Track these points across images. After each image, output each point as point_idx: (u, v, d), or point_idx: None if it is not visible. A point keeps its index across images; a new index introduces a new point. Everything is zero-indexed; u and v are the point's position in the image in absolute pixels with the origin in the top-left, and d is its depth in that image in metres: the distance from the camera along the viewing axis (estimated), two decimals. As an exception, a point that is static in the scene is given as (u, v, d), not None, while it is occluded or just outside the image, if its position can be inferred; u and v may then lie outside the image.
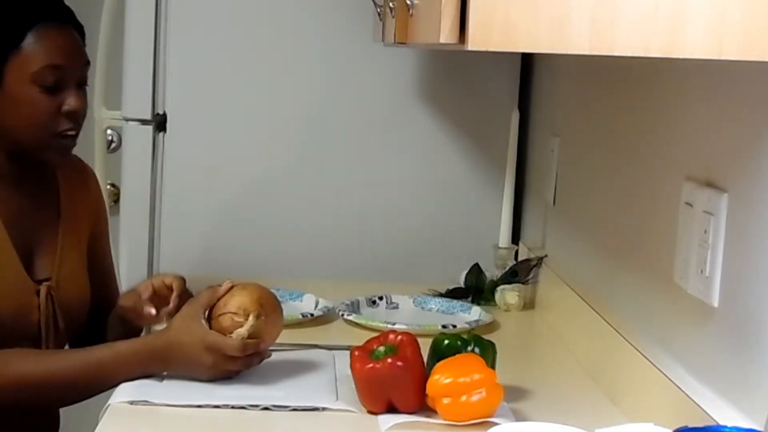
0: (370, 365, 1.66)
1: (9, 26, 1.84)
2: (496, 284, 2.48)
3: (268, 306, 1.84)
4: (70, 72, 1.88)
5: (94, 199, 2.11)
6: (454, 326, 2.20)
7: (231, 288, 1.84)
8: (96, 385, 1.79)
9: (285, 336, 2.07)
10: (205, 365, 1.77)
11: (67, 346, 2.00)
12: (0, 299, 1.86)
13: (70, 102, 1.87)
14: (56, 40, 1.87)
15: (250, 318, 1.79)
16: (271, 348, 1.96)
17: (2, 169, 1.92)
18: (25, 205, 1.95)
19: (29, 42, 1.84)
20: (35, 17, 1.85)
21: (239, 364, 1.79)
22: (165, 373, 1.80)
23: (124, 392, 1.73)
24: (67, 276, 1.97)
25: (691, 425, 1.28)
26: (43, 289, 1.92)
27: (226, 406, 1.69)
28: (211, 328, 1.78)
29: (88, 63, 1.93)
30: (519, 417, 1.69)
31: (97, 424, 1.63)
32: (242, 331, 1.78)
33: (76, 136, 1.91)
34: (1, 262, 1.88)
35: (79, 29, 1.93)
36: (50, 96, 1.86)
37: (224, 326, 1.79)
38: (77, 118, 1.90)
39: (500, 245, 2.57)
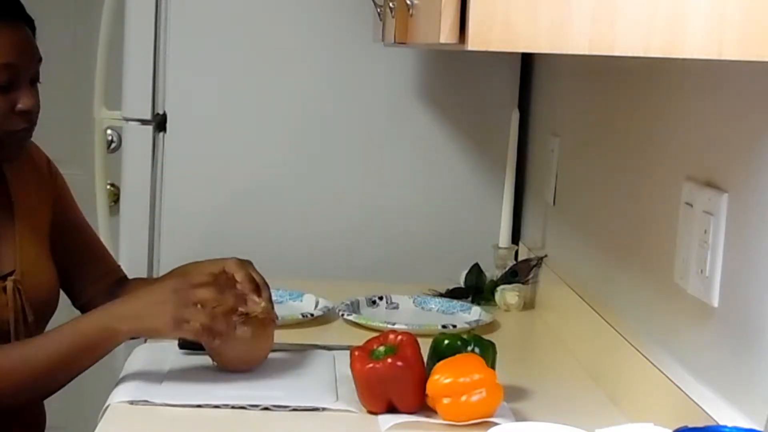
0: (370, 365, 1.66)
1: None
2: (496, 284, 2.48)
3: (265, 334, 1.86)
4: (23, 70, 1.85)
5: (45, 173, 2.06)
6: (454, 326, 2.20)
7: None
8: (77, 359, 1.75)
9: (285, 336, 2.08)
10: (167, 295, 1.73)
11: None
12: None
13: (24, 101, 1.85)
14: (7, 38, 1.83)
15: (262, 305, 1.81)
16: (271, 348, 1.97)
17: None
18: None
19: None
20: None
21: (201, 313, 1.72)
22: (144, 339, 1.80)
23: (124, 392, 1.73)
24: (30, 266, 1.94)
25: (691, 425, 1.28)
26: (9, 284, 1.90)
27: (226, 406, 1.69)
28: None
29: (40, 60, 1.90)
30: (519, 417, 1.69)
31: (97, 424, 1.63)
32: (244, 309, 1.80)
33: (30, 131, 1.89)
34: None
35: (30, 24, 1.90)
36: (3, 95, 1.83)
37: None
38: (31, 116, 1.87)
39: (500, 245, 2.57)
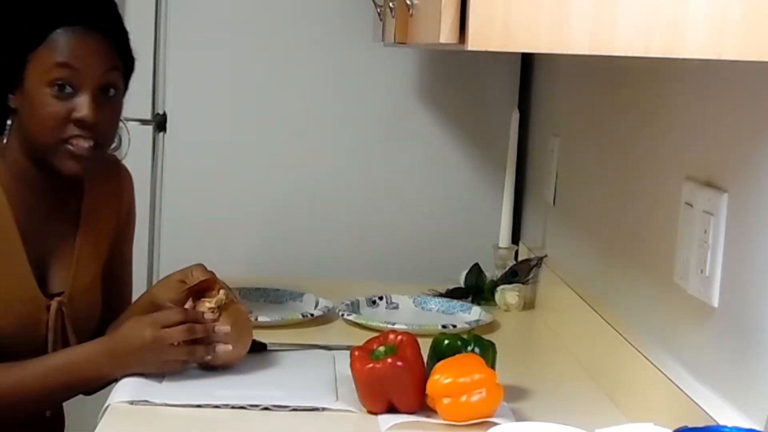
0: (370, 365, 1.66)
1: (32, 26, 1.80)
2: (496, 284, 2.48)
3: (240, 318, 1.86)
4: (86, 76, 1.79)
5: (125, 203, 2.05)
6: (454, 326, 2.20)
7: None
8: (62, 391, 1.81)
9: (285, 336, 2.08)
10: (147, 344, 1.76)
11: None
12: (3, 313, 1.83)
13: (82, 109, 1.79)
14: (74, 42, 1.79)
15: (221, 293, 1.82)
16: (271, 348, 1.97)
17: (28, 177, 1.87)
18: (46, 215, 1.90)
19: (48, 43, 1.79)
20: (59, 19, 1.80)
21: (181, 350, 1.77)
22: (120, 375, 1.79)
23: (123, 392, 1.73)
24: (80, 291, 1.93)
25: (691, 425, 1.28)
26: (54, 304, 1.89)
27: (226, 406, 1.69)
28: None
29: (115, 68, 1.84)
30: (519, 417, 1.69)
31: (97, 424, 1.63)
32: (207, 303, 1.81)
33: (94, 147, 1.82)
34: (12, 275, 1.85)
35: (113, 34, 1.84)
36: (62, 101, 1.79)
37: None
38: (89, 127, 1.80)
39: (500, 245, 2.57)
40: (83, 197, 1.96)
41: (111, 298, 2.02)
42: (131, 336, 1.79)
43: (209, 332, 1.80)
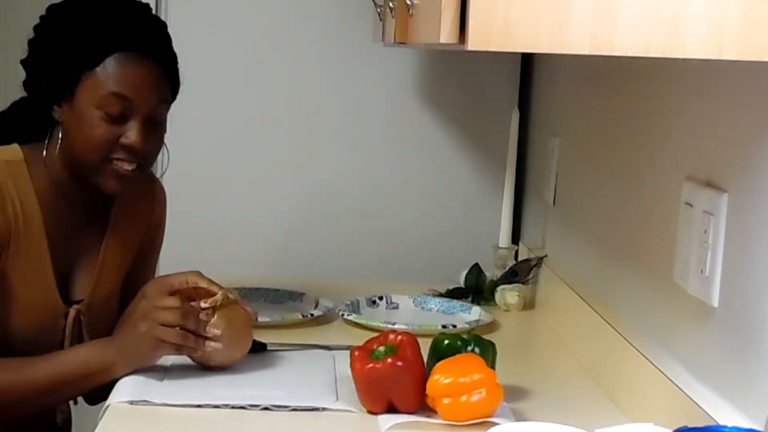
0: (370, 365, 1.66)
1: (91, 46, 1.81)
2: (496, 284, 2.48)
3: (239, 320, 1.85)
4: (138, 105, 1.82)
5: (155, 219, 2.08)
6: (454, 326, 2.20)
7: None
8: (73, 386, 1.82)
9: (285, 336, 2.08)
10: (138, 320, 1.77)
11: None
12: (22, 318, 1.85)
13: (131, 136, 1.82)
14: (130, 71, 1.82)
15: (218, 294, 1.82)
16: (271, 348, 1.97)
17: (63, 185, 1.89)
18: (75, 223, 1.93)
19: (105, 67, 1.80)
20: (118, 43, 1.81)
21: (173, 332, 1.77)
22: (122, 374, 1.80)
23: (124, 392, 1.73)
24: (100, 300, 1.95)
25: (691, 425, 1.28)
26: (72, 312, 1.91)
27: (226, 406, 1.69)
28: None
29: (166, 101, 1.88)
30: (519, 417, 1.69)
31: (97, 424, 1.63)
32: (202, 303, 1.81)
33: (137, 169, 1.86)
34: (35, 280, 1.87)
35: (167, 64, 1.87)
36: (112, 125, 1.81)
37: None
38: (135, 152, 1.84)
39: (500, 245, 2.57)
40: (112, 208, 1.99)
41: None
42: (127, 319, 1.81)
43: (200, 327, 1.80)
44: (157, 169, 2.05)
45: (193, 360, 1.85)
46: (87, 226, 1.95)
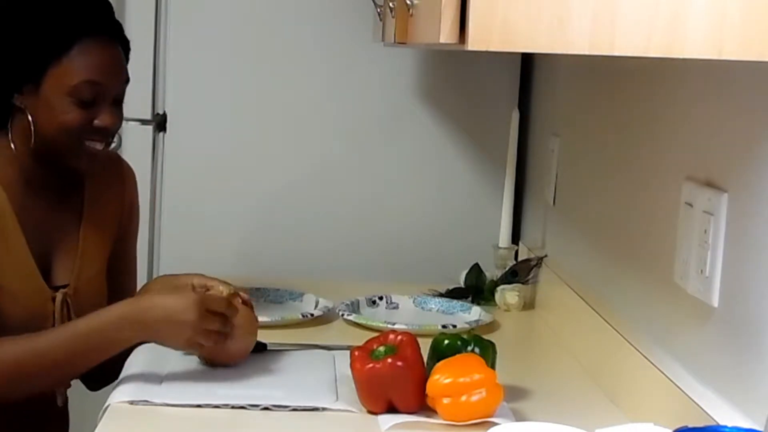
0: (370, 365, 1.66)
1: (56, 35, 1.82)
2: (496, 284, 2.48)
3: (247, 319, 1.86)
4: (109, 89, 1.87)
5: (127, 198, 2.08)
6: (454, 326, 2.20)
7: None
8: (89, 355, 1.78)
9: (285, 336, 2.08)
10: (187, 322, 1.74)
11: None
12: (11, 306, 1.85)
13: (104, 118, 1.86)
14: (99, 57, 1.85)
15: (222, 289, 1.84)
16: (271, 348, 1.97)
17: (28, 172, 1.90)
18: (47, 208, 1.94)
19: (73, 54, 1.82)
20: (83, 30, 1.83)
21: (217, 323, 1.77)
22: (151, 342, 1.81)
23: (124, 392, 1.73)
24: (85, 283, 1.96)
25: (691, 425, 1.28)
26: (59, 296, 1.91)
27: (226, 406, 1.69)
28: None
29: (127, 80, 1.92)
30: (519, 417, 1.69)
31: (97, 425, 1.63)
32: (223, 289, 1.83)
33: (106, 146, 1.91)
34: (16, 268, 1.87)
35: (125, 45, 1.92)
36: (84, 109, 1.84)
37: None
38: (107, 133, 1.89)
39: (500, 245, 2.57)
40: (84, 191, 1.99)
41: (115, 294, 2.02)
42: (172, 307, 1.76)
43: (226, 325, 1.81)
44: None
45: (199, 358, 1.85)
46: (60, 211, 1.96)
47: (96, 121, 1.86)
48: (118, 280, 2.07)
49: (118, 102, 1.90)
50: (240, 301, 1.86)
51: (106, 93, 1.86)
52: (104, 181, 2.02)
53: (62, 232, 1.96)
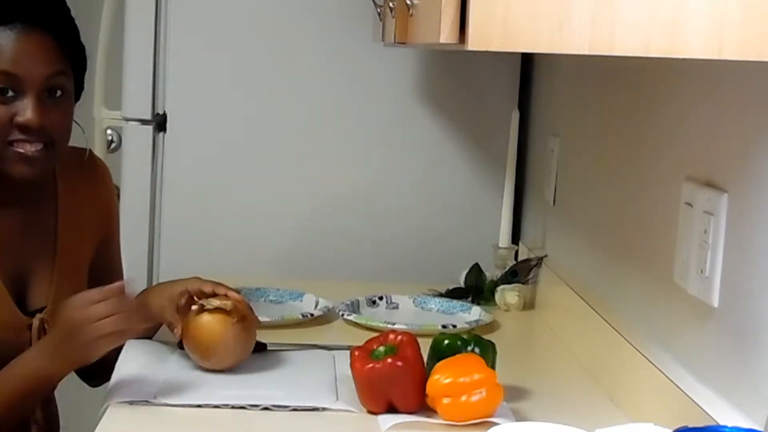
0: (370, 365, 1.66)
1: None
2: (496, 284, 2.48)
3: (248, 323, 1.86)
4: (28, 80, 1.72)
5: (105, 200, 1.98)
6: (454, 326, 2.20)
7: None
8: (19, 402, 1.72)
9: (285, 336, 2.08)
10: (75, 324, 1.64)
11: None
12: None
13: (25, 113, 1.72)
14: (13, 46, 1.72)
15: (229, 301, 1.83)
16: (271, 348, 1.97)
17: None
18: (15, 227, 1.83)
19: None
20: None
21: (107, 323, 1.64)
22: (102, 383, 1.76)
23: (124, 392, 1.73)
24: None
25: (691, 425, 1.28)
26: (35, 322, 1.82)
27: (226, 406, 1.69)
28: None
29: (61, 71, 1.77)
30: (519, 417, 1.69)
31: (97, 424, 1.63)
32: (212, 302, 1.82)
33: (44, 149, 1.75)
34: None
35: (58, 31, 1.77)
36: (3, 105, 1.72)
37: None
38: (34, 131, 1.74)
39: (500, 245, 2.57)
40: (57, 200, 1.89)
41: None
42: (59, 322, 1.68)
43: (131, 305, 1.69)
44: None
45: (196, 362, 1.85)
46: (32, 232, 1.86)
47: (17, 117, 1.72)
48: (105, 281, 1.98)
49: (52, 97, 1.76)
50: (232, 305, 1.83)
51: (27, 85, 1.72)
52: (77, 188, 1.92)
53: (35, 254, 1.86)
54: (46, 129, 1.76)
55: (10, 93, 1.74)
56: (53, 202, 1.90)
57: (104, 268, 2.01)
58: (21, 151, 1.75)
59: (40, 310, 1.85)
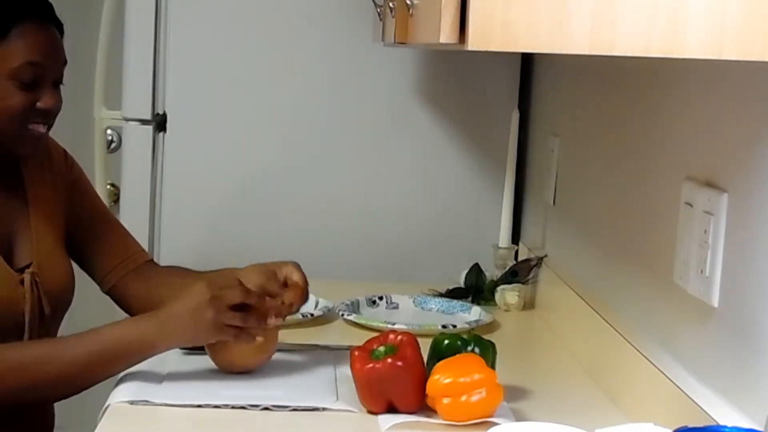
0: (370, 365, 1.66)
1: None
2: (496, 284, 2.48)
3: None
4: (49, 70, 1.89)
5: (62, 165, 2.07)
6: (454, 326, 2.20)
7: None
8: (110, 366, 1.77)
9: (285, 336, 2.08)
10: (206, 318, 1.75)
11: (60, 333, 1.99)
12: None
13: (46, 100, 1.88)
14: (38, 38, 1.87)
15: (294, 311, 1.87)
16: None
17: None
18: None
19: (12, 38, 1.85)
20: (19, 14, 1.86)
21: (238, 319, 1.77)
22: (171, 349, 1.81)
23: (124, 392, 1.73)
24: (46, 259, 1.95)
25: (691, 425, 1.28)
26: (27, 276, 1.91)
27: (226, 406, 1.69)
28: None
29: (65, 62, 1.93)
30: (519, 417, 1.69)
31: (96, 424, 1.63)
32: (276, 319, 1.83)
33: (48, 129, 1.93)
34: None
35: (59, 27, 1.94)
36: (26, 92, 1.86)
37: None
38: (50, 115, 1.91)
39: (500, 245, 2.57)
40: (21, 173, 2.00)
41: (105, 241, 2.06)
42: (191, 299, 1.78)
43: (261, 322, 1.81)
44: None
45: (217, 365, 1.85)
46: (8, 198, 1.97)
47: (39, 103, 1.88)
48: (105, 239, 2.07)
49: (57, 84, 1.92)
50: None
51: (47, 74, 1.88)
52: (35, 161, 2.02)
53: (14, 217, 1.96)
54: (55, 113, 1.93)
55: (34, 82, 1.87)
56: (18, 171, 2.00)
57: (91, 216, 2.09)
58: (37, 132, 1.90)
59: (27, 267, 1.93)
